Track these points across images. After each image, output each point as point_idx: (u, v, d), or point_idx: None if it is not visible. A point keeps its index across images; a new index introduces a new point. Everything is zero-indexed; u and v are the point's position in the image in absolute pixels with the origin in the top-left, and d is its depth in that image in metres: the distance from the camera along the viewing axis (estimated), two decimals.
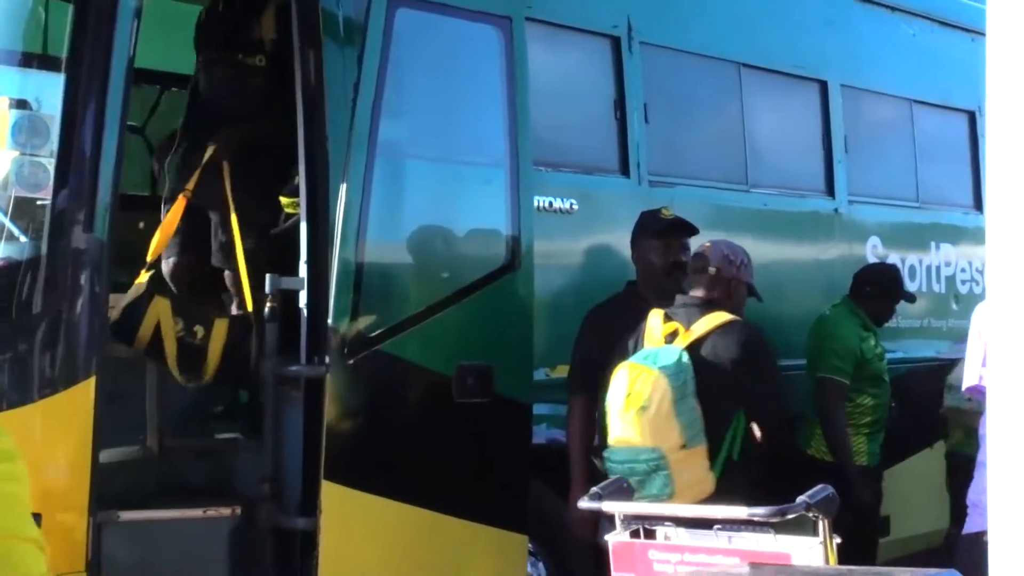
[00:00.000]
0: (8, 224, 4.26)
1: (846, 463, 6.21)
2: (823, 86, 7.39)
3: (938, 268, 7.96)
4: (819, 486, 3.55)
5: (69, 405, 4.28)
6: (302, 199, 4.99)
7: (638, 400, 4.44)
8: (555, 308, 5.61)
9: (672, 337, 4.73)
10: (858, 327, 6.46)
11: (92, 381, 4.30)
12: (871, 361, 6.42)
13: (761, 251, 6.91)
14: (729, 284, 4.94)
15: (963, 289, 8.05)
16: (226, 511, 4.80)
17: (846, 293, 6.68)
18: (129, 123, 5.88)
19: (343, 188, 4.85)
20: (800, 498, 3.51)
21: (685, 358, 4.60)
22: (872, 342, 6.47)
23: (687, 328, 4.76)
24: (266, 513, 4.77)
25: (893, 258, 7.52)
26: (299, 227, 4.96)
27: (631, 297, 5.17)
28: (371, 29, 5.00)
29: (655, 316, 4.82)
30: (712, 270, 4.92)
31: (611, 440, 4.55)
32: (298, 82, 5.01)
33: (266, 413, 4.88)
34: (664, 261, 5.18)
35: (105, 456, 4.49)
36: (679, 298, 4.94)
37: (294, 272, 4.94)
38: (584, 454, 5.03)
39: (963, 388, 5.56)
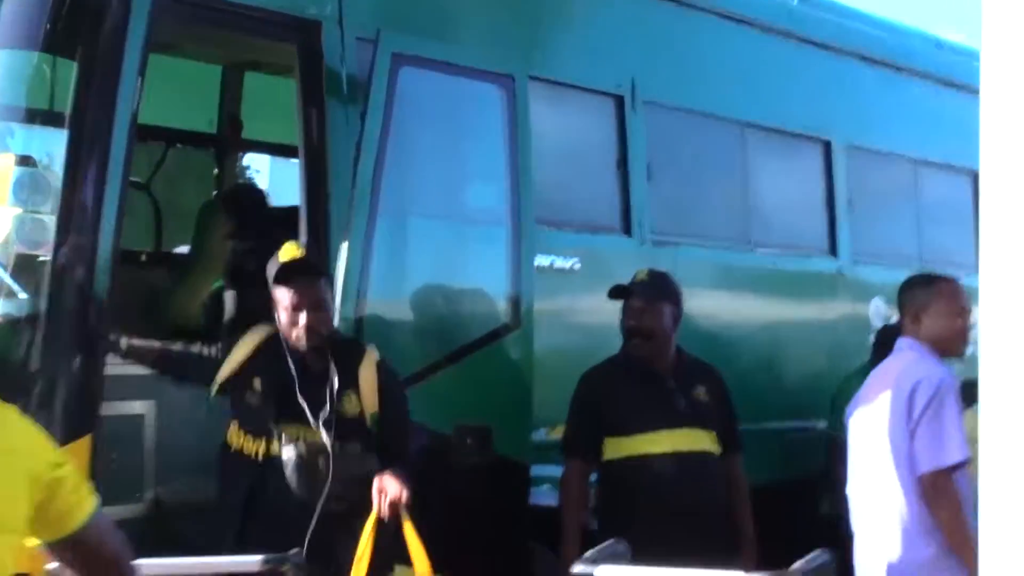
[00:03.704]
0: (9, 281, 4.25)
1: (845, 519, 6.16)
2: (827, 146, 7.41)
3: None
4: (816, 552, 3.51)
5: None
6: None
7: None
8: (556, 368, 5.58)
9: None
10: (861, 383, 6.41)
11: (88, 439, 4.28)
12: None
13: (764, 310, 6.92)
14: None
15: (967, 350, 8.01)
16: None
17: (855, 353, 6.64)
18: (133, 179, 5.94)
19: (344, 246, 4.85)
20: (796, 564, 3.46)
21: None
22: None
23: None
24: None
25: (896, 318, 7.47)
26: None
27: (627, 359, 5.12)
28: (374, 87, 5.01)
29: None
30: None
31: None
32: (301, 140, 5.03)
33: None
34: (625, 324, 5.11)
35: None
36: None
37: None
38: (578, 517, 4.98)
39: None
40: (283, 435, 4.31)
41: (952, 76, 8.25)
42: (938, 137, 8.16)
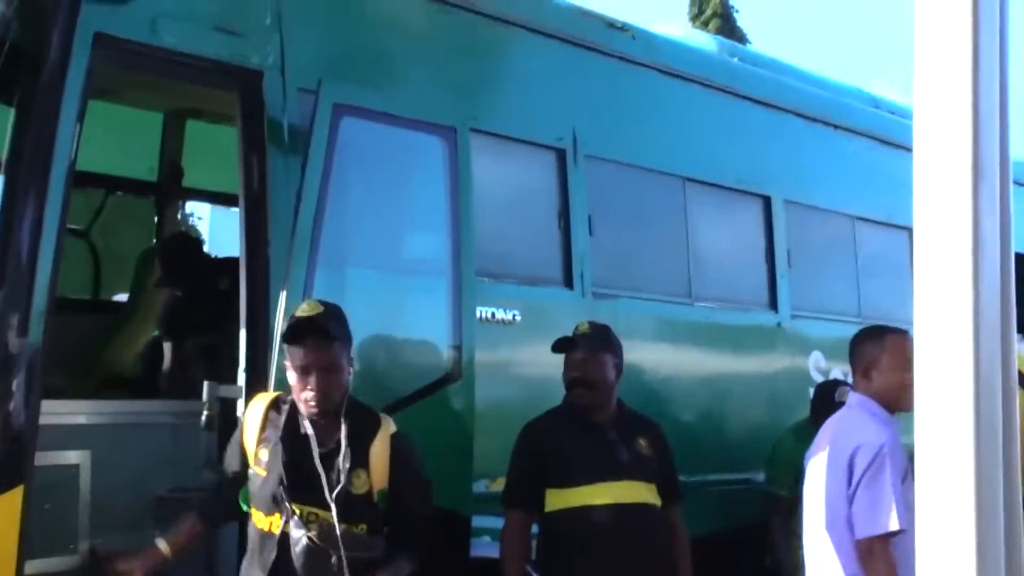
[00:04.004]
0: None
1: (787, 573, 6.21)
2: (767, 201, 7.47)
3: None
4: None
5: None
6: (242, 305, 4.96)
7: None
8: (497, 419, 5.57)
9: None
10: (801, 438, 6.44)
11: (20, 489, 4.21)
12: None
13: (704, 364, 6.95)
14: None
15: None
16: None
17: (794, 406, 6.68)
18: (72, 227, 5.89)
19: (283, 295, 4.82)
20: None
21: None
22: None
23: None
24: None
25: (835, 372, 7.55)
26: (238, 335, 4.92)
27: (569, 410, 5.12)
28: (315, 137, 5.00)
29: None
30: None
31: None
32: (241, 188, 5.01)
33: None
34: (567, 375, 5.12)
35: (32, 567, 4.38)
36: None
37: (232, 380, 4.90)
38: (519, 568, 4.96)
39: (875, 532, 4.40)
40: (293, 513, 4.02)
41: (889, 134, 8.36)
42: (875, 194, 8.26)
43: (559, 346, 5.13)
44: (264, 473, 4.07)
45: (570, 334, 5.16)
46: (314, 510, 4.01)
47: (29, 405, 4.29)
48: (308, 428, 4.07)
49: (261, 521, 4.09)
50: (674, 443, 5.30)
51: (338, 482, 4.02)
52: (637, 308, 6.47)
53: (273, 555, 4.02)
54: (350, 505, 4.02)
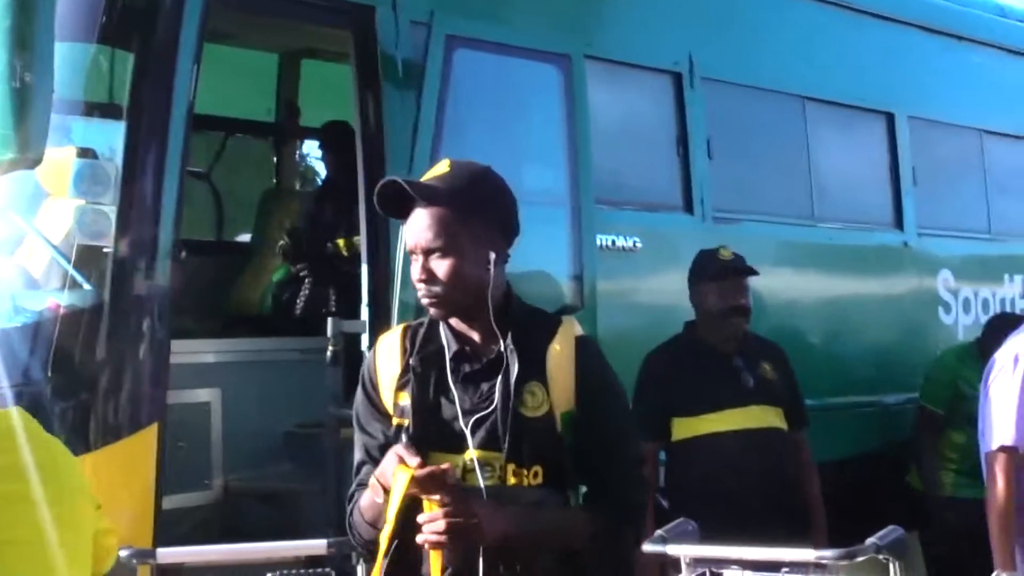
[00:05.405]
0: (71, 272, 4.28)
1: (929, 491, 6.16)
2: (890, 118, 7.30)
3: (1012, 301, 7.80)
4: (889, 527, 3.45)
5: (132, 451, 4.29)
6: (363, 241, 4.99)
7: None
8: (620, 348, 5.53)
9: None
10: (963, 362, 6.32)
11: (155, 427, 4.31)
12: (969, 399, 6.27)
13: (829, 286, 6.84)
14: None
15: None
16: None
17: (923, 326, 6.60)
18: (193, 169, 5.98)
19: (402, 230, 4.81)
20: (870, 540, 3.41)
21: None
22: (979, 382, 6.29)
23: None
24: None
25: (965, 291, 7.39)
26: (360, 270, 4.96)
27: (691, 338, 5.08)
28: (429, 70, 5.00)
29: None
30: None
31: None
32: (358, 125, 5.02)
33: (327, 458, 4.86)
34: (722, 305, 5.04)
35: (169, 502, 4.49)
36: None
37: (355, 315, 4.95)
38: (649, 496, 4.95)
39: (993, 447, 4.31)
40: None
41: (1016, 44, 8.10)
42: (1003, 106, 8.02)
43: (718, 272, 5.04)
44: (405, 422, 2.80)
45: (696, 260, 5.11)
46: (470, 456, 2.76)
47: (160, 345, 4.38)
48: (446, 338, 2.85)
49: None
50: (801, 367, 5.24)
51: (486, 403, 2.77)
52: (759, 231, 6.37)
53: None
54: (521, 435, 2.75)
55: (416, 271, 2.79)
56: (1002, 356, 4.34)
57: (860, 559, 3.43)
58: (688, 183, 6.13)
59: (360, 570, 3.55)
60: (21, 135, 3.22)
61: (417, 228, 2.78)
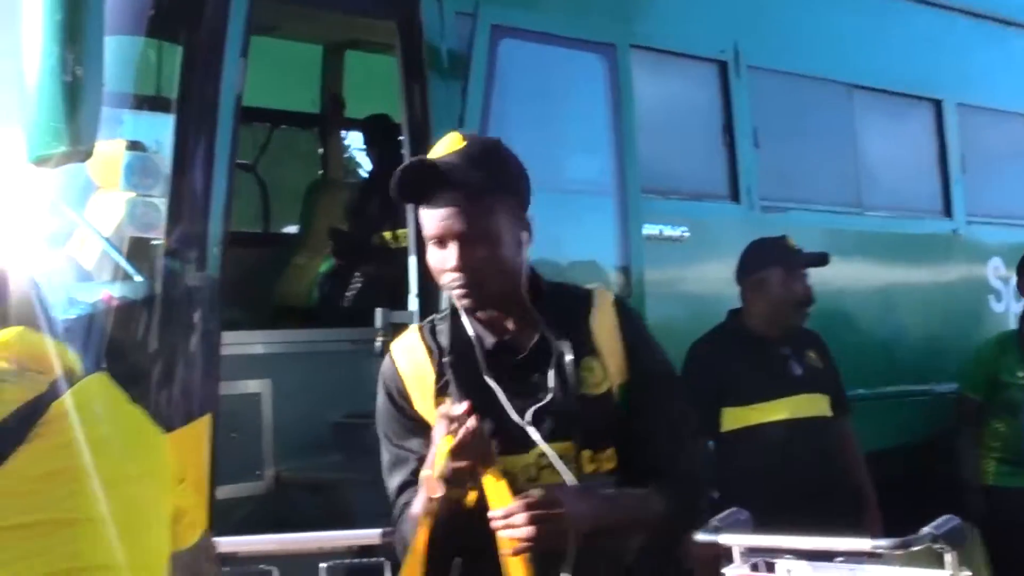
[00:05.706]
0: (123, 263, 4.30)
1: (967, 480, 6.11)
2: (937, 105, 7.24)
3: None
4: (946, 516, 3.42)
5: (186, 441, 4.30)
6: (410, 232, 4.99)
7: None
8: (667, 338, 5.50)
9: None
10: (1004, 350, 6.28)
11: (208, 417, 4.33)
12: (1009, 387, 6.22)
13: (878, 274, 6.79)
14: None
15: None
16: None
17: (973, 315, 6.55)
18: (240, 161, 6.00)
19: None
20: (925, 529, 3.39)
21: None
22: (1019, 370, 6.25)
23: None
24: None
25: (1016, 279, 7.31)
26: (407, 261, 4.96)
27: (736, 327, 5.05)
28: (475, 60, 4.99)
29: None
30: None
31: None
32: (404, 116, 5.03)
33: (376, 448, 4.86)
34: (790, 295, 5.00)
35: (222, 492, 4.51)
36: None
37: (403, 306, 4.95)
38: None
39: None
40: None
41: None
42: None
43: (790, 261, 5.04)
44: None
45: (743, 249, 5.10)
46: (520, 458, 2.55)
47: (211, 336, 4.39)
48: (475, 331, 2.65)
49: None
50: (850, 356, 5.24)
51: (541, 393, 2.58)
52: (807, 220, 6.33)
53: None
54: (592, 417, 2.58)
55: (447, 260, 2.54)
56: None
57: (916, 548, 3.41)
58: (735, 172, 6.10)
59: None
60: (72, 128, 3.25)
61: (446, 212, 2.54)
